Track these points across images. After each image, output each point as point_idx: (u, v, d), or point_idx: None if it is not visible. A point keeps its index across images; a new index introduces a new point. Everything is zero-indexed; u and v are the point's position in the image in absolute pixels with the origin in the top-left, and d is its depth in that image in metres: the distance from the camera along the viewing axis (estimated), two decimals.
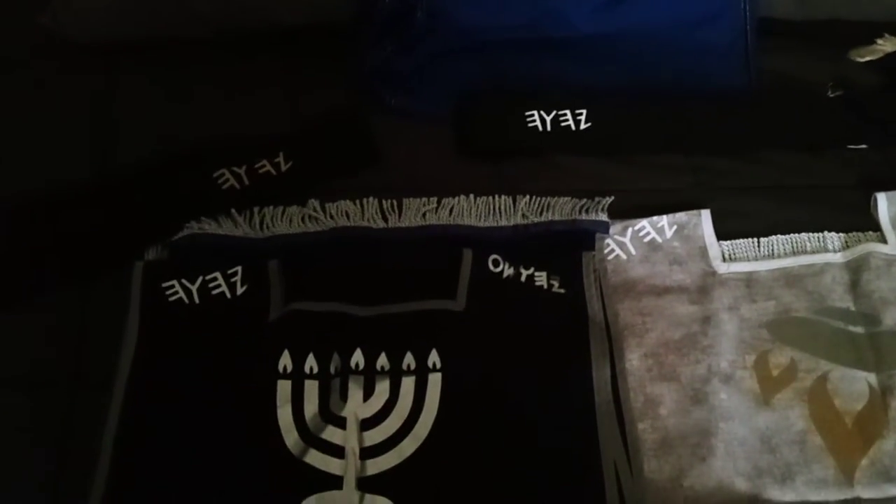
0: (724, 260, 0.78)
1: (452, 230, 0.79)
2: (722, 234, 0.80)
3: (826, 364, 0.72)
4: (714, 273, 0.77)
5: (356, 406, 0.68)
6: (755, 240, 0.79)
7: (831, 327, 0.74)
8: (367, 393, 0.69)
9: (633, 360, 0.72)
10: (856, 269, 0.76)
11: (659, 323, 0.74)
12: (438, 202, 0.81)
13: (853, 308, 0.75)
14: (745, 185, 0.83)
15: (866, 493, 0.66)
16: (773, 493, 0.66)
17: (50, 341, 0.73)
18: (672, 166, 0.84)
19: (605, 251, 0.78)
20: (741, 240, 0.79)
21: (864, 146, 0.85)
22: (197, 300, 0.73)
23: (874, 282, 0.75)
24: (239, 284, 0.74)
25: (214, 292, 0.74)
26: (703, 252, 0.78)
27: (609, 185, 0.82)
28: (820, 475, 0.67)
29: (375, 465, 0.66)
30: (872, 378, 0.71)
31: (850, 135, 0.85)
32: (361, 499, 0.65)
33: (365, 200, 0.80)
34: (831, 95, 0.87)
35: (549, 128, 0.85)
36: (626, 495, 0.65)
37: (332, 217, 0.79)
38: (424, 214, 0.80)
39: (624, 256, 0.78)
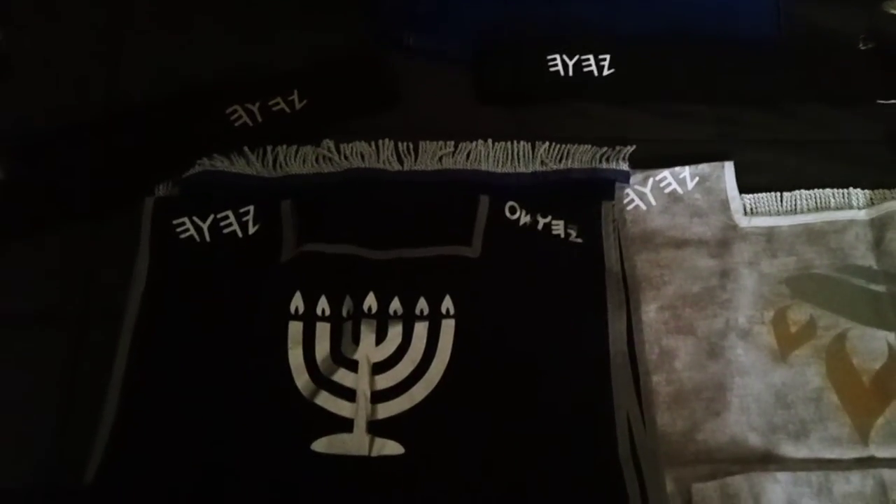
0: (745, 214, 0.76)
1: (469, 175, 0.77)
2: (745, 188, 0.78)
3: (846, 322, 0.71)
4: (735, 227, 0.75)
5: (368, 349, 0.67)
6: (778, 194, 0.78)
7: (852, 285, 0.72)
8: (380, 337, 0.68)
9: (650, 313, 0.71)
10: (880, 227, 0.75)
11: (677, 276, 0.73)
12: (456, 146, 0.79)
13: (875, 266, 0.73)
14: (770, 137, 0.81)
15: (881, 452, 0.65)
16: (787, 449, 0.66)
17: (59, 278, 0.72)
18: (696, 116, 0.82)
19: (625, 201, 0.77)
20: (764, 194, 0.78)
21: (894, 101, 0.82)
22: (208, 238, 0.72)
23: None
24: (251, 224, 0.73)
25: (226, 231, 0.73)
26: (725, 205, 0.76)
27: (631, 133, 0.80)
28: (834, 433, 0.66)
29: (386, 409, 0.66)
30: (892, 337, 0.70)
31: (880, 89, 0.83)
32: (372, 442, 0.64)
33: (380, 142, 0.78)
34: (863, 48, 0.84)
35: (571, 73, 0.83)
36: (637, 447, 0.65)
37: (346, 158, 0.78)
38: (441, 158, 0.78)
39: (644, 207, 0.77)
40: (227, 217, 0.73)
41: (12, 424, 0.66)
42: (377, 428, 0.65)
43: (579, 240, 0.74)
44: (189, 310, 0.69)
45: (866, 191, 0.77)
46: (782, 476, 0.63)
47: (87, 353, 0.68)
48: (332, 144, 0.78)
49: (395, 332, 0.68)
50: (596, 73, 0.83)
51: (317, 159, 0.78)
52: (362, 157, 0.78)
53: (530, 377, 0.67)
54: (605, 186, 0.77)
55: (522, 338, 0.69)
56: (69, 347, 0.69)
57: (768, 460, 0.65)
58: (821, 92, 0.83)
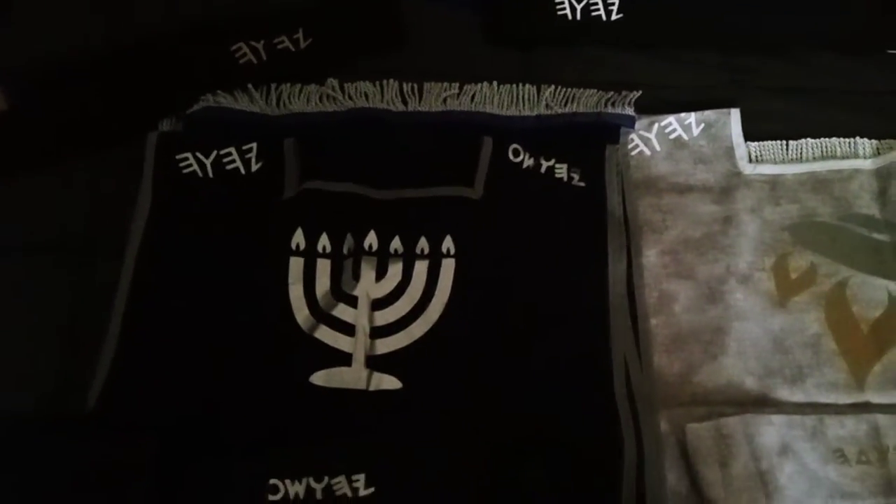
0: (750, 161, 0.76)
1: (473, 117, 0.77)
2: (751, 135, 0.77)
3: (846, 270, 0.71)
4: (739, 174, 0.75)
5: (368, 286, 0.68)
6: (784, 142, 0.77)
7: (855, 233, 0.72)
8: (380, 274, 0.68)
9: (651, 257, 0.71)
10: (885, 177, 0.74)
11: (679, 221, 0.73)
12: (461, 88, 0.78)
13: (879, 215, 0.73)
14: (778, 85, 0.80)
15: (876, 398, 0.66)
16: (782, 393, 0.66)
17: (63, 210, 0.72)
18: (704, 63, 0.81)
19: (629, 146, 0.76)
20: (769, 141, 0.77)
21: None
22: (211, 174, 0.72)
23: None
24: (254, 161, 0.73)
25: (229, 167, 0.73)
26: (730, 152, 0.76)
27: (638, 79, 0.80)
28: (831, 378, 0.66)
29: (385, 345, 0.66)
30: (893, 286, 0.70)
31: (890, 38, 0.81)
32: (370, 376, 0.65)
33: (385, 82, 0.78)
34: None
35: (578, 16, 0.82)
36: (634, 388, 0.65)
37: (350, 97, 0.77)
38: (445, 100, 0.78)
39: (648, 152, 0.76)
40: (230, 154, 0.73)
41: (16, 353, 0.66)
42: (376, 363, 0.66)
43: (582, 183, 0.74)
44: (190, 244, 0.69)
45: (873, 140, 0.77)
46: (777, 418, 0.63)
47: (90, 284, 0.69)
48: (336, 84, 0.78)
49: (395, 270, 0.68)
50: (604, 16, 0.82)
51: (321, 98, 0.77)
52: (366, 97, 0.77)
53: (529, 317, 0.68)
54: (609, 131, 0.76)
55: (522, 278, 0.69)
56: (72, 278, 0.69)
57: (764, 403, 0.65)
58: (831, 40, 0.82)
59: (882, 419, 0.64)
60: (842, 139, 0.77)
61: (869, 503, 0.61)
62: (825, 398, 0.66)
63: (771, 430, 0.63)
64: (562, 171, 0.74)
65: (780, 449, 0.62)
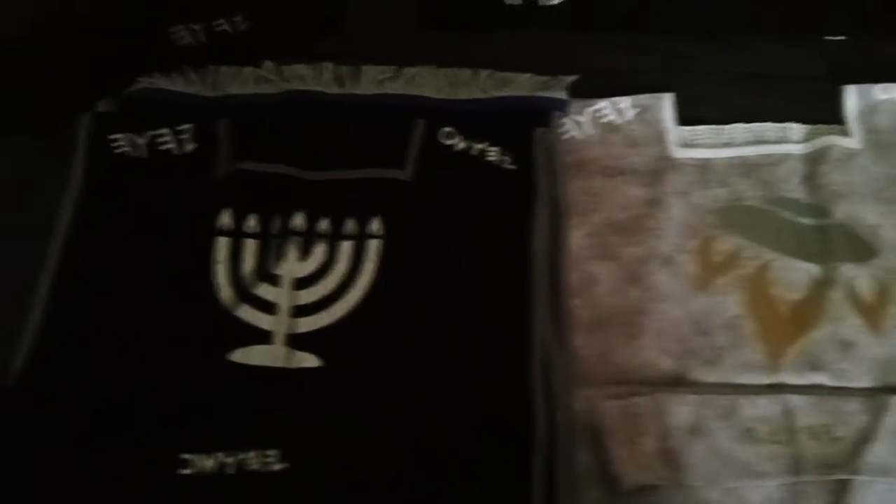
0: (682, 145, 0.76)
1: (408, 100, 0.77)
2: (685, 120, 0.78)
3: (770, 253, 0.71)
4: (669, 158, 0.76)
5: (291, 265, 0.69)
6: (717, 127, 0.77)
7: (781, 217, 0.73)
8: (304, 254, 0.69)
9: (576, 239, 0.72)
10: (814, 162, 0.75)
11: (606, 204, 0.73)
12: (397, 71, 0.79)
13: (806, 199, 0.74)
14: (714, 70, 0.81)
15: (791, 379, 0.66)
16: (699, 373, 0.67)
17: None
18: (642, 48, 0.81)
19: (562, 130, 0.77)
20: (702, 126, 0.77)
21: (842, 37, 0.82)
22: (144, 154, 0.73)
23: (830, 174, 0.74)
24: (188, 141, 0.74)
25: (162, 148, 0.74)
26: (662, 136, 0.77)
27: (576, 63, 0.80)
28: (748, 359, 0.67)
29: (306, 324, 0.67)
30: (815, 269, 0.70)
31: (828, 24, 0.82)
32: (290, 354, 0.66)
33: (321, 65, 0.78)
34: None
35: (519, 0, 0.82)
36: (551, 366, 0.66)
37: (286, 80, 0.78)
38: (381, 82, 0.78)
39: (581, 136, 0.77)
40: (164, 134, 0.74)
41: None
42: (296, 341, 0.66)
43: (513, 166, 0.74)
44: (119, 223, 0.70)
45: (804, 125, 0.77)
46: (690, 398, 0.64)
47: (19, 262, 0.69)
48: (272, 66, 0.78)
49: (319, 250, 0.69)
50: (545, 1, 0.82)
51: (257, 81, 0.78)
52: (302, 79, 0.78)
53: (452, 298, 0.68)
54: (542, 115, 0.77)
55: (448, 259, 0.70)
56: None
57: (679, 384, 0.66)
58: (768, 25, 0.82)
59: (795, 400, 0.64)
60: (774, 124, 0.77)
61: (777, 481, 0.62)
62: (741, 379, 0.67)
63: (683, 410, 0.64)
64: (493, 154, 0.74)
65: (691, 428, 0.63)
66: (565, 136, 0.77)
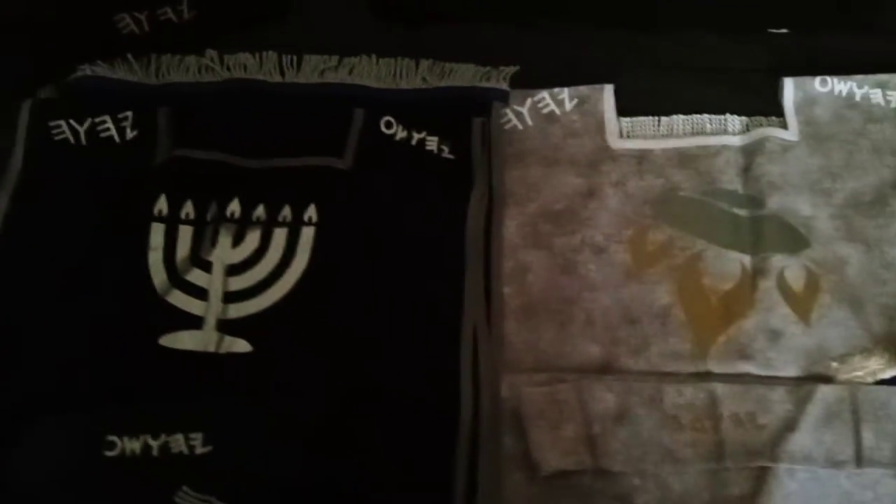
0: (621, 136, 0.77)
1: (349, 89, 0.78)
2: (625, 111, 0.78)
3: (703, 243, 0.72)
4: (608, 148, 0.76)
5: (224, 252, 0.69)
6: (656, 118, 0.78)
7: (715, 208, 0.73)
8: (237, 240, 0.69)
9: (511, 228, 0.72)
10: (751, 153, 0.75)
11: (542, 193, 0.74)
12: (340, 61, 0.79)
13: (741, 191, 0.74)
14: (656, 62, 0.81)
15: (718, 368, 0.67)
16: (626, 361, 0.67)
17: None
18: (584, 39, 0.82)
19: (502, 120, 0.77)
20: (642, 117, 0.78)
21: (785, 31, 0.82)
22: (84, 141, 0.74)
23: (765, 165, 0.74)
24: (129, 129, 0.74)
25: (103, 135, 0.74)
26: (601, 127, 0.77)
27: (518, 54, 0.80)
28: (676, 348, 0.67)
29: (238, 310, 0.67)
30: (746, 259, 0.71)
31: (772, 18, 0.82)
32: (220, 340, 0.66)
33: (264, 54, 0.79)
34: None
35: None
36: (479, 352, 0.66)
37: (228, 69, 0.78)
38: (323, 72, 0.79)
39: (520, 127, 0.77)
40: (104, 121, 0.74)
41: None
42: (228, 327, 0.67)
43: (451, 156, 0.75)
44: (56, 209, 0.71)
45: (743, 117, 0.77)
46: (615, 385, 0.65)
47: None
48: (215, 55, 0.79)
49: (253, 237, 0.70)
50: None
51: (199, 69, 0.78)
52: (245, 68, 0.78)
53: (385, 285, 0.69)
54: (481, 105, 0.77)
55: (383, 248, 0.70)
56: None
57: (607, 371, 0.66)
58: (711, 18, 0.82)
59: (720, 388, 0.65)
60: (713, 116, 0.78)
61: (698, 468, 0.62)
62: (668, 367, 0.67)
63: (608, 397, 0.64)
64: (433, 143, 0.75)
65: (615, 415, 0.64)
66: (506, 127, 0.77)
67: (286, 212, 0.71)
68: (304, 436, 0.62)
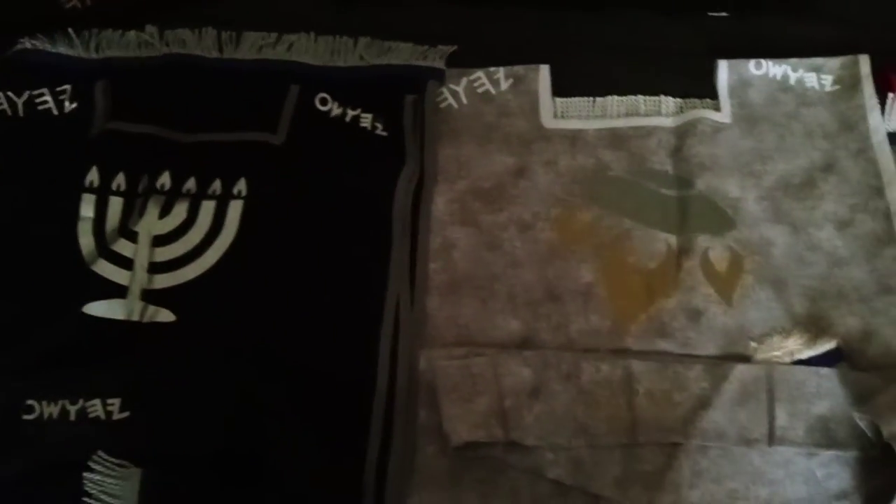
0: (555, 116, 0.77)
1: (287, 66, 0.79)
2: (561, 91, 0.79)
3: (629, 223, 0.72)
4: (541, 128, 0.76)
5: (150, 222, 0.70)
6: (591, 98, 0.78)
7: (644, 188, 0.74)
8: (165, 212, 0.70)
9: (440, 204, 0.73)
10: (682, 135, 0.76)
11: (473, 171, 0.74)
12: (278, 38, 0.80)
13: (671, 171, 0.74)
14: (593, 43, 0.82)
15: (637, 346, 0.67)
16: (546, 337, 0.67)
17: None
18: (521, 18, 0.82)
19: (438, 99, 0.78)
20: (576, 98, 0.78)
21: (724, 14, 0.82)
22: (21, 114, 0.74)
23: (696, 147, 0.74)
24: (67, 102, 0.75)
25: (41, 108, 0.75)
26: (535, 107, 0.77)
27: (456, 33, 0.81)
28: (596, 325, 0.68)
29: (163, 280, 0.68)
30: (672, 239, 0.71)
31: (711, 0, 0.82)
32: (144, 309, 0.67)
33: (203, 30, 0.80)
34: None
35: None
36: (401, 326, 0.67)
37: (168, 44, 0.79)
38: (261, 48, 0.79)
39: (455, 105, 0.78)
40: (42, 94, 0.75)
41: None
42: (153, 297, 0.68)
43: (384, 133, 0.75)
44: None
45: (677, 99, 0.78)
46: (532, 360, 0.65)
47: None
48: (155, 30, 0.79)
49: (180, 208, 0.70)
50: None
51: (139, 44, 0.79)
52: (184, 43, 0.79)
53: (311, 260, 0.69)
54: (417, 83, 0.78)
55: (311, 223, 0.71)
56: None
57: (526, 346, 0.67)
58: (652, 0, 0.83)
59: (637, 365, 0.65)
60: (647, 97, 0.78)
61: (611, 443, 0.63)
62: (587, 343, 0.67)
63: (524, 371, 0.65)
64: (367, 120, 0.76)
65: (531, 390, 0.64)
66: (441, 105, 0.77)
67: (216, 185, 0.71)
68: (221, 405, 0.63)
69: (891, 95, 0.75)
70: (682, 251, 0.70)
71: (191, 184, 0.72)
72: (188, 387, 0.64)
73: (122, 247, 0.69)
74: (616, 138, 0.76)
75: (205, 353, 0.65)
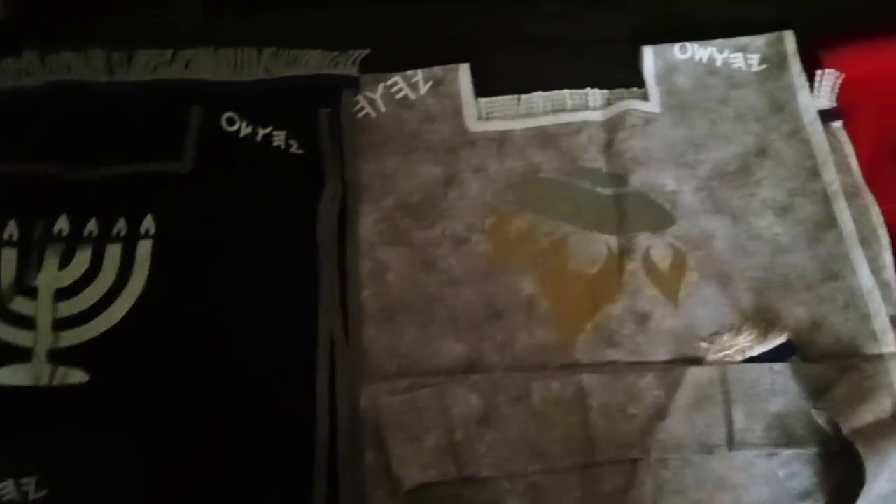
0: (480, 118, 0.73)
1: (186, 85, 0.73)
2: (483, 91, 0.74)
3: (567, 227, 0.69)
4: (466, 132, 0.72)
5: (51, 275, 0.64)
6: (516, 97, 0.74)
7: (579, 189, 0.70)
8: (66, 261, 0.64)
9: (367, 225, 0.68)
10: (612, 128, 0.72)
11: (400, 185, 0.70)
12: (174, 54, 0.73)
13: (604, 168, 0.71)
14: (512, 36, 0.78)
15: (586, 358, 0.64)
16: (492, 358, 0.64)
17: None
18: (435, 17, 0.78)
19: (354, 109, 0.73)
20: (501, 97, 0.74)
21: None
22: None
23: (627, 141, 0.71)
24: None
25: None
26: (458, 110, 0.73)
27: (366, 37, 0.76)
28: (542, 340, 0.65)
29: (70, 337, 0.62)
30: (612, 240, 0.68)
31: None
32: (53, 371, 0.61)
33: (90, 51, 0.73)
34: None
35: None
36: (337, 364, 0.62)
37: (50, 70, 0.72)
38: (156, 67, 0.73)
39: (374, 114, 0.73)
40: None
41: None
42: (60, 357, 0.62)
43: (300, 151, 0.70)
44: None
45: (604, 91, 0.75)
46: (480, 385, 0.62)
47: None
48: (34, 56, 0.72)
49: (83, 256, 0.64)
50: None
51: (18, 73, 0.72)
52: (69, 68, 0.72)
53: (232, 299, 0.64)
54: (331, 94, 0.73)
55: (230, 256, 0.66)
56: None
57: (472, 370, 0.63)
58: None
59: (588, 379, 0.62)
60: (573, 91, 0.75)
61: (569, 464, 0.60)
62: (535, 360, 0.64)
63: (472, 399, 0.61)
64: (279, 138, 0.71)
65: (481, 417, 0.61)
66: (358, 115, 0.73)
67: (121, 225, 0.66)
68: (145, 471, 0.58)
69: (819, 72, 0.73)
70: (624, 252, 0.68)
71: (92, 226, 0.66)
72: (108, 454, 0.58)
73: (22, 305, 0.63)
74: (545, 137, 0.72)
75: (124, 415, 0.60)
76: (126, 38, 0.74)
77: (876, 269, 0.67)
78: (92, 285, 0.64)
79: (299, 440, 0.60)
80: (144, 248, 0.65)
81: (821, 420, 0.61)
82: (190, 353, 0.62)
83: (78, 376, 0.61)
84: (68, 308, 0.63)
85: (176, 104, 0.71)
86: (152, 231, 0.65)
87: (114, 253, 0.64)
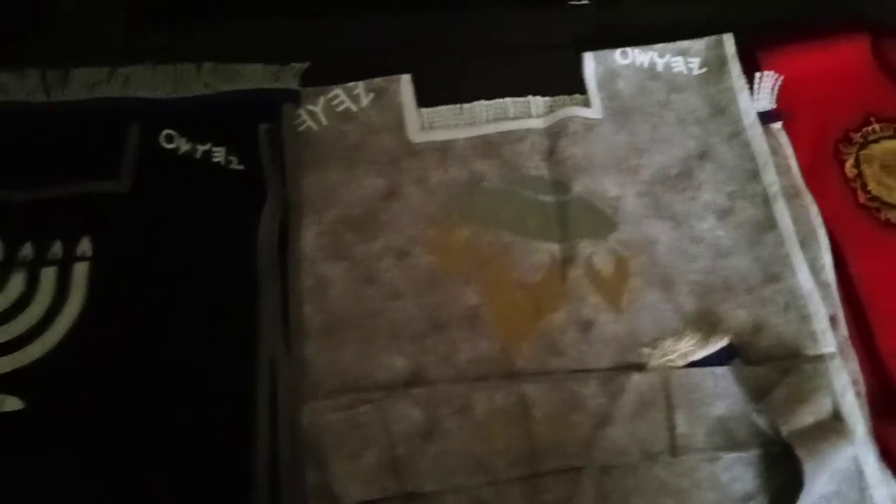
0: (422, 129, 0.73)
1: (124, 103, 0.72)
2: (426, 101, 0.74)
3: (510, 236, 0.69)
4: (409, 143, 0.72)
5: None
6: (458, 106, 0.74)
7: (521, 198, 0.70)
8: (0, 287, 0.63)
9: (308, 239, 0.68)
10: (555, 135, 0.72)
11: (341, 199, 0.70)
12: (112, 72, 0.73)
13: (547, 176, 0.71)
14: (453, 45, 0.78)
15: (529, 367, 0.64)
16: (435, 372, 0.64)
17: None
18: (375, 27, 0.78)
19: (295, 122, 0.72)
20: (443, 107, 0.74)
21: (585, 2, 0.79)
22: None
23: (570, 148, 0.71)
24: None
25: None
26: (400, 121, 0.73)
27: (307, 49, 0.76)
28: (485, 351, 0.64)
29: (4, 364, 0.61)
30: (555, 248, 0.68)
31: None
32: None
33: (24, 71, 0.72)
34: None
35: None
36: (278, 382, 0.62)
37: None
38: (94, 86, 0.72)
39: (315, 127, 0.73)
40: None
41: None
42: None
43: (240, 167, 0.70)
44: None
45: (546, 98, 0.74)
46: (421, 399, 0.61)
47: None
48: None
49: (16, 281, 0.63)
50: None
51: None
52: (3, 88, 0.71)
53: (171, 318, 0.64)
54: (271, 108, 0.72)
55: (168, 276, 0.65)
56: None
57: (415, 384, 0.63)
58: None
59: (530, 389, 0.62)
60: (515, 99, 0.74)
61: (512, 474, 0.60)
62: (478, 372, 0.64)
63: (414, 413, 0.61)
64: (219, 154, 0.70)
65: (423, 432, 0.61)
66: (299, 129, 0.72)
67: (56, 248, 0.65)
68: (86, 495, 0.57)
69: (758, 74, 0.73)
70: (566, 260, 0.68)
71: (27, 250, 0.65)
72: (45, 481, 0.57)
73: None
74: (488, 146, 0.72)
75: (60, 441, 0.59)
76: (61, 56, 0.73)
77: (815, 270, 0.67)
78: (27, 310, 0.63)
79: (240, 460, 0.59)
80: (81, 271, 0.64)
81: (762, 422, 0.61)
82: (128, 376, 0.61)
83: (13, 404, 0.60)
84: (2, 333, 0.62)
85: (114, 123, 0.70)
86: (89, 253, 0.65)
87: (49, 276, 0.64)
